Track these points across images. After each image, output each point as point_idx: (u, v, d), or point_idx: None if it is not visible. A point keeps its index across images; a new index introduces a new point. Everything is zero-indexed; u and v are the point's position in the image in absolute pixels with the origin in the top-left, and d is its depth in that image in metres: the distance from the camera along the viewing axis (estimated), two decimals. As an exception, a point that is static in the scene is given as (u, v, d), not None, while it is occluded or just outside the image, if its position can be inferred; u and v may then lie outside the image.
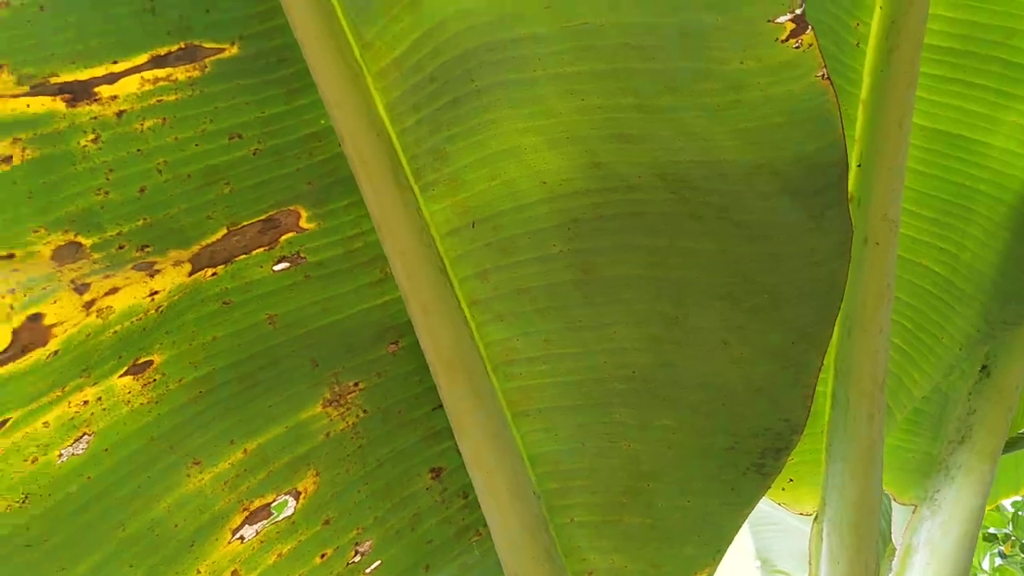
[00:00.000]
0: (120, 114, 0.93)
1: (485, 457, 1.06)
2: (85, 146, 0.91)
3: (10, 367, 0.84)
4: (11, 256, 0.86)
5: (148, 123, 0.95)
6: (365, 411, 1.07)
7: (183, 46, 0.96)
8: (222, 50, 0.98)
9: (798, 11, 0.75)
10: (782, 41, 0.77)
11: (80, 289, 0.88)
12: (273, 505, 1.03)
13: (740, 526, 1.12)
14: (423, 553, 1.11)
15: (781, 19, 0.76)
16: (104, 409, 0.93)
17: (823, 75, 0.79)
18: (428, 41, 0.97)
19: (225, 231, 0.99)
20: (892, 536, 1.57)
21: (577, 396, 1.11)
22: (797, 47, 0.78)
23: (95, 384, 0.91)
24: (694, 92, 0.86)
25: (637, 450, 1.11)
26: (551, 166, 1.02)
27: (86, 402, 0.92)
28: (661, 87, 0.88)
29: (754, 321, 1.05)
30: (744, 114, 0.85)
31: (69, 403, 0.90)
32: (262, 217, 1.02)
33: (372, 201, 1.04)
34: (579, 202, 1.03)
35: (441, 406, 1.08)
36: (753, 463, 1.06)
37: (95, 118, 0.92)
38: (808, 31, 0.76)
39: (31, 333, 0.84)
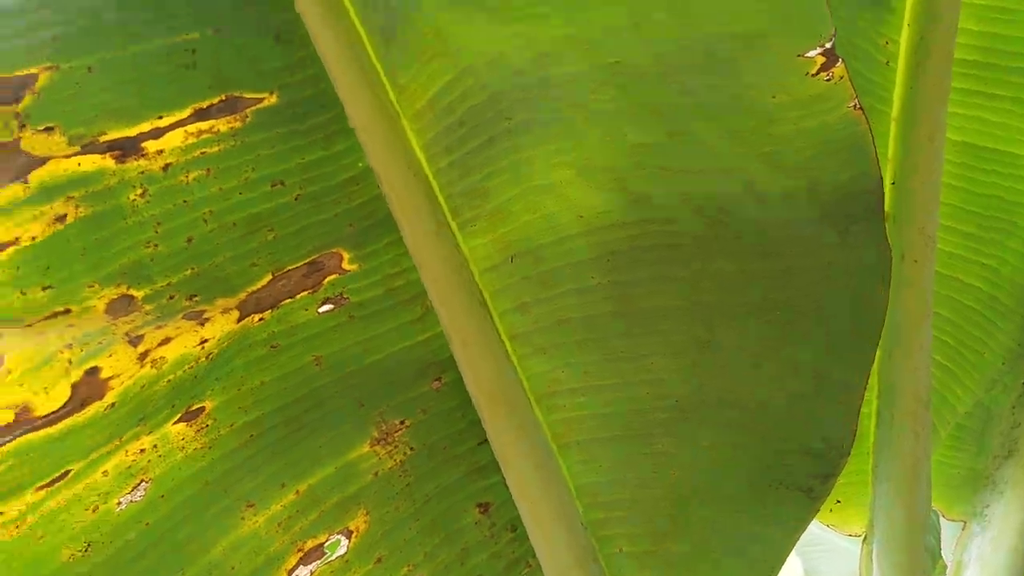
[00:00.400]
0: (166, 167, 0.96)
1: (531, 489, 1.07)
2: (134, 200, 0.94)
3: (69, 421, 0.87)
4: (67, 311, 0.88)
5: (193, 175, 0.97)
6: (412, 448, 1.09)
7: (224, 98, 0.99)
8: (261, 99, 1.01)
9: (828, 45, 0.76)
10: (812, 75, 0.78)
11: (134, 341, 0.90)
12: (326, 545, 1.04)
13: (790, 549, 1.12)
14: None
15: (811, 53, 0.77)
16: (160, 456, 0.95)
17: (855, 105, 0.80)
18: (461, 83, 1.00)
19: (270, 277, 1.02)
20: (942, 553, 1.55)
21: (617, 427, 1.12)
22: (828, 80, 0.78)
23: (151, 432, 0.94)
24: (727, 125, 0.87)
25: (681, 478, 1.12)
26: (587, 200, 1.03)
27: (142, 450, 0.94)
28: (694, 121, 0.89)
29: (792, 344, 1.05)
30: (778, 145, 0.86)
31: (126, 452, 0.93)
32: (306, 261, 1.04)
33: (411, 240, 1.06)
34: (616, 234, 1.05)
35: (486, 440, 1.09)
36: (800, 487, 1.06)
37: (143, 172, 0.94)
38: (839, 64, 0.77)
39: (89, 387, 0.87)
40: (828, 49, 0.76)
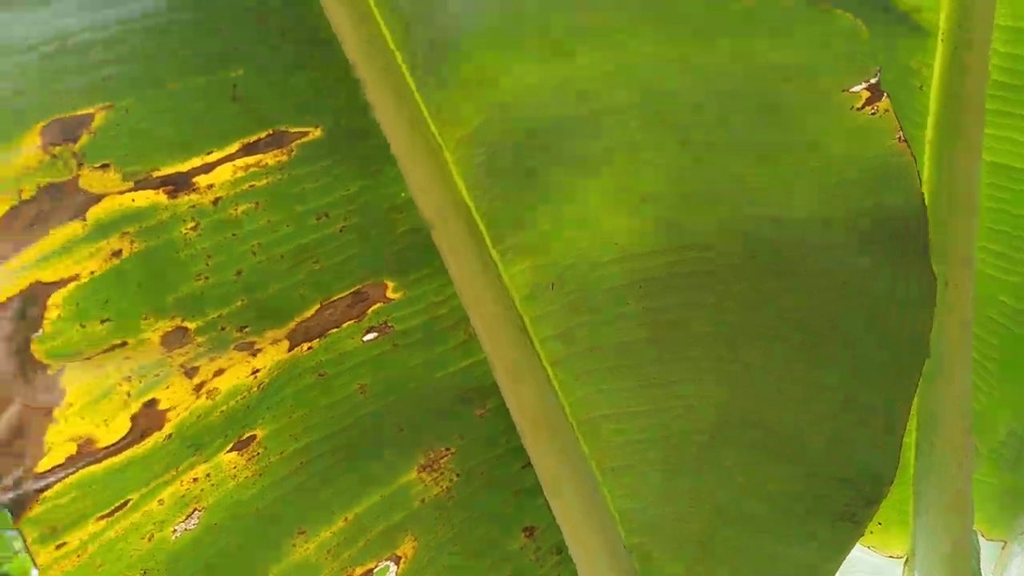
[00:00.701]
0: (216, 201, 0.98)
1: (573, 513, 1.09)
2: (186, 234, 0.96)
3: (129, 452, 0.89)
4: (124, 344, 0.91)
5: (242, 208, 0.99)
6: (458, 474, 1.10)
7: (271, 132, 1.01)
8: (306, 133, 1.03)
9: (873, 80, 0.77)
10: (858, 109, 0.79)
11: (189, 373, 0.93)
12: (375, 571, 1.06)
13: (834, 573, 1.13)
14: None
15: (856, 88, 0.78)
16: (213, 485, 0.97)
17: (900, 138, 0.81)
18: (501, 118, 1.01)
19: (318, 306, 1.04)
20: (983, 573, 1.55)
21: (655, 453, 1.13)
22: (873, 113, 0.80)
23: (205, 462, 0.96)
24: (770, 157, 0.88)
25: (721, 503, 1.12)
26: (625, 227, 1.05)
27: (196, 479, 0.96)
28: (737, 152, 0.90)
29: (831, 372, 1.06)
30: (821, 176, 0.88)
31: (181, 482, 0.95)
32: (351, 291, 1.06)
33: (454, 268, 1.08)
34: (653, 262, 1.06)
35: (530, 464, 1.10)
36: (842, 513, 1.07)
37: (194, 207, 0.97)
38: (884, 98, 0.78)
39: (147, 419, 0.89)
40: (873, 84, 0.77)
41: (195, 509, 0.96)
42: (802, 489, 1.11)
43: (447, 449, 1.10)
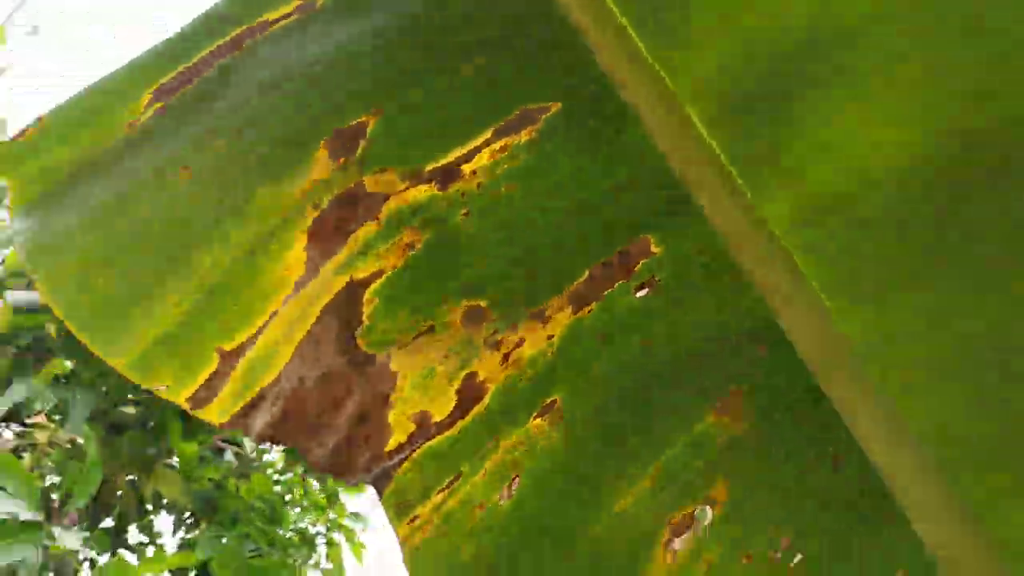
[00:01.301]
0: (480, 186, 1.03)
1: (879, 439, 1.06)
2: (461, 220, 1.01)
3: (458, 426, 0.95)
4: (432, 329, 0.97)
5: (503, 189, 1.04)
6: (754, 413, 1.10)
7: (519, 112, 1.05)
8: (548, 108, 1.06)
9: None
10: None
11: (495, 345, 0.97)
12: (695, 514, 1.08)
13: None
14: (840, 542, 1.12)
15: None
16: (527, 451, 1.01)
17: None
18: (744, 53, 1.01)
19: (589, 271, 1.07)
20: None
21: (948, 369, 1.09)
22: None
23: (518, 430, 1.00)
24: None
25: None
26: (894, 139, 1.02)
27: (512, 448, 1.01)
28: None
29: None
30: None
31: (501, 451, 1.00)
32: (617, 251, 1.08)
33: (712, 213, 1.08)
34: (929, 172, 1.02)
35: (825, 395, 1.09)
36: None
37: (463, 194, 1.02)
38: None
39: (469, 391, 0.95)
40: None
41: (515, 476, 1.01)
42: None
43: (738, 390, 1.10)
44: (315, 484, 3.70)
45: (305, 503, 3.43)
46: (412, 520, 0.95)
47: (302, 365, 0.93)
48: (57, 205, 1.00)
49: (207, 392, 0.93)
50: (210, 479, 3.20)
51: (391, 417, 0.93)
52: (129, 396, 3.26)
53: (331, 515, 3.47)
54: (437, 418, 0.94)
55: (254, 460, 3.51)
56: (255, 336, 0.94)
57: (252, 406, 0.92)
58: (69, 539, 2.18)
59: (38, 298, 3.17)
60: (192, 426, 3.25)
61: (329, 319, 0.94)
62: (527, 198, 1.05)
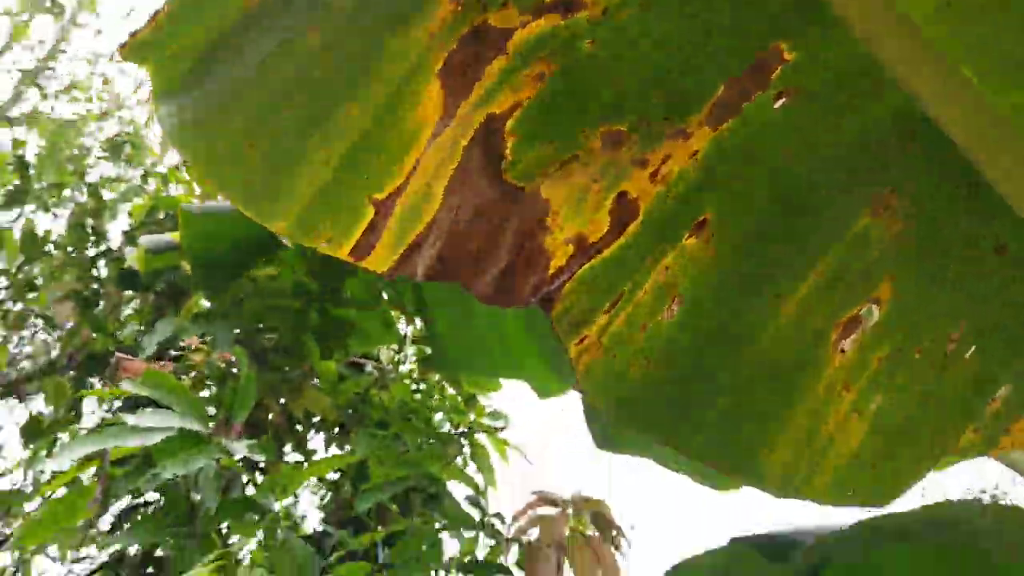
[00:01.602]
0: (604, 11, 1.01)
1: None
2: (588, 46, 0.99)
3: (616, 244, 0.95)
4: (576, 157, 0.96)
5: (626, 12, 1.01)
6: (910, 210, 1.06)
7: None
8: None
9: None
10: None
11: (641, 164, 0.97)
12: (860, 314, 1.06)
13: None
14: (1013, 328, 1.08)
15: None
16: (682, 270, 1.01)
17: None
18: None
19: (723, 86, 1.04)
20: None
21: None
22: None
23: (673, 248, 1.00)
24: None
25: None
26: None
27: (668, 267, 1.00)
28: None
29: None
30: None
31: (658, 270, 0.99)
32: (749, 64, 1.04)
33: (844, 11, 1.03)
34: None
35: (984, 183, 1.04)
36: None
37: (588, 20, 1.00)
38: None
39: (622, 209, 0.94)
40: None
41: (675, 295, 1.01)
42: None
43: (891, 189, 1.06)
44: (450, 390, 3.81)
45: (446, 406, 3.54)
46: (580, 341, 0.96)
47: (455, 203, 0.94)
48: (196, 86, 1.03)
49: (368, 241, 0.95)
50: (355, 393, 3.33)
51: (548, 242, 0.94)
52: (260, 324, 3.39)
53: (471, 416, 3.57)
54: (593, 238, 0.94)
55: (391, 372, 3.62)
56: (405, 182, 0.95)
57: (413, 249, 0.95)
58: (238, 448, 2.31)
59: (169, 240, 3.31)
60: (329, 346, 3.37)
61: (475, 155, 0.94)
62: (652, 17, 1.02)
